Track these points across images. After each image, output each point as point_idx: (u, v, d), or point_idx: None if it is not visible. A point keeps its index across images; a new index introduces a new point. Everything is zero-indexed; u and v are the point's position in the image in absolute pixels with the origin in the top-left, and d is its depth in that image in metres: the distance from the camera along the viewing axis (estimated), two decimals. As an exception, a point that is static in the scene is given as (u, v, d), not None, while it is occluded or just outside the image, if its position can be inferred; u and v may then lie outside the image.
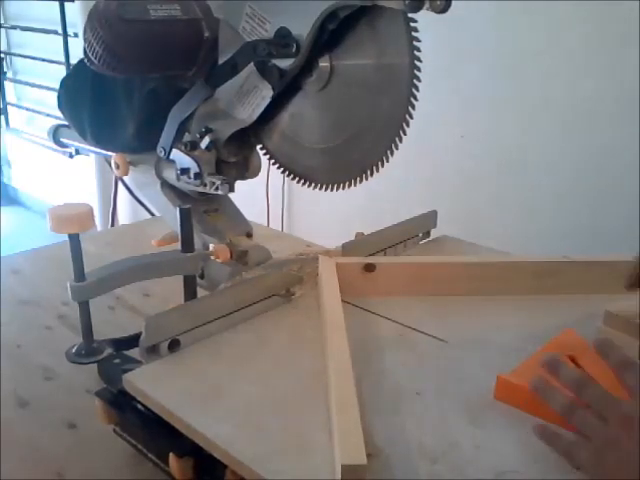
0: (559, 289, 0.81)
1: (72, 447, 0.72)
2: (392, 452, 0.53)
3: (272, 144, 0.88)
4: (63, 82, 1.04)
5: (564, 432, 0.52)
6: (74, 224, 0.71)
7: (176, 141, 0.87)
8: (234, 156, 0.89)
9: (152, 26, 0.76)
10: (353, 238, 0.92)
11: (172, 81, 0.86)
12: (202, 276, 0.89)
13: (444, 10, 0.65)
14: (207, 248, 0.88)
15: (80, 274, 0.74)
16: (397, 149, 0.76)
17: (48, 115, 2.96)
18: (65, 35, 2.77)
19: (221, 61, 0.81)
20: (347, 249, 0.87)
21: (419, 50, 0.70)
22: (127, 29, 0.75)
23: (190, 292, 0.83)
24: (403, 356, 0.69)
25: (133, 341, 0.68)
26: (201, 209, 0.94)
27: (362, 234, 0.94)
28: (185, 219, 0.79)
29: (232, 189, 0.88)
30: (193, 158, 0.88)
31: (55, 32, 2.87)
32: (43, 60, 3.11)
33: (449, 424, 0.57)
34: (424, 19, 0.69)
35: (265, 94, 0.81)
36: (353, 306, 0.79)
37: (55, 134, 1.12)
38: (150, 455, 0.66)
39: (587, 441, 0.49)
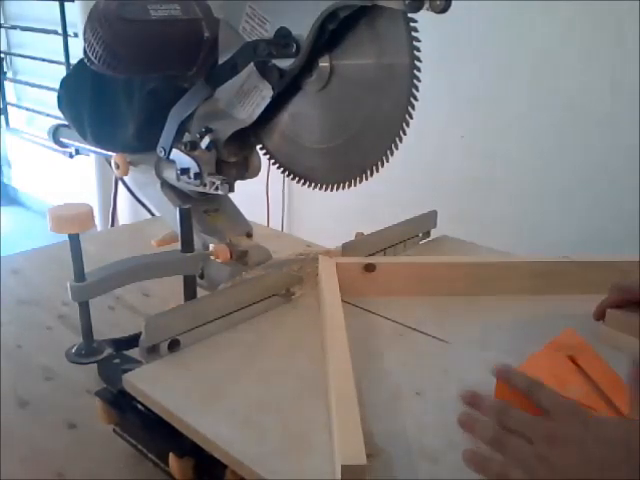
0: (559, 289, 0.81)
1: (72, 447, 0.72)
2: (392, 452, 0.53)
3: (272, 144, 0.88)
4: (63, 82, 1.04)
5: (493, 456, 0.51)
6: (74, 224, 0.71)
7: (176, 141, 0.87)
8: (234, 156, 0.89)
9: (152, 26, 0.76)
10: (353, 238, 0.92)
11: (172, 81, 0.86)
12: (202, 276, 0.89)
13: (444, 10, 0.65)
14: (207, 248, 0.88)
15: (80, 274, 0.74)
16: (397, 149, 0.76)
17: (48, 115, 2.96)
18: (65, 35, 2.76)
19: (221, 61, 0.81)
20: (347, 249, 0.87)
21: (419, 50, 0.70)
22: (127, 29, 0.75)
23: (190, 292, 0.83)
24: (403, 356, 0.69)
25: (133, 341, 0.68)
26: (201, 209, 0.94)
27: (362, 234, 0.94)
28: (185, 219, 0.79)
29: (232, 189, 0.88)
30: (193, 158, 0.88)
31: (55, 32, 2.87)
32: (43, 60, 3.10)
33: (449, 424, 0.57)
34: (424, 19, 0.69)
35: (265, 94, 0.81)
36: (353, 306, 0.79)
37: (55, 134, 1.12)
38: (150, 455, 0.66)
39: (518, 463, 0.49)
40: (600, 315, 0.71)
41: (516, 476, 0.49)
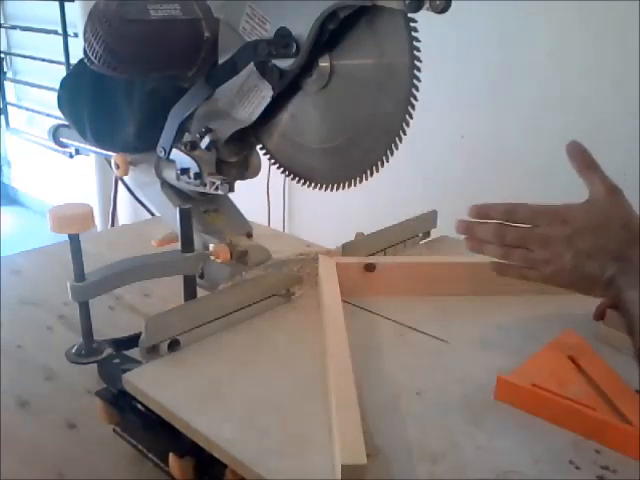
0: (559, 289, 0.81)
1: (72, 447, 0.72)
2: (392, 452, 0.53)
3: (272, 144, 0.88)
4: (63, 82, 1.04)
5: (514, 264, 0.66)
6: (74, 224, 0.71)
7: (176, 141, 0.87)
8: (234, 156, 0.89)
9: (152, 26, 0.76)
10: (353, 238, 0.92)
11: (172, 81, 0.86)
12: (202, 276, 0.89)
13: (444, 10, 0.65)
14: (207, 248, 0.88)
15: (80, 274, 0.74)
16: (397, 149, 0.76)
17: (48, 115, 2.96)
18: (65, 35, 2.76)
19: (221, 61, 0.81)
20: (347, 249, 0.87)
21: (419, 50, 0.70)
22: (127, 29, 0.75)
23: (190, 292, 0.83)
24: (403, 356, 0.69)
25: (133, 341, 0.68)
26: (201, 209, 0.95)
27: (362, 234, 0.94)
28: (185, 219, 0.79)
29: (232, 189, 0.88)
30: (193, 158, 0.88)
31: (55, 32, 2.87)
32: (43, 60, 3.10)
33: (449, 424, 0.57)
34: (424, 19, 0.69)
35: (265, 94, 0.81)
36: (353, 306, 0.79)
37: (55, 134, 1.12)
38: (150, 455, 0.66)
39: (529, 251, 0.63)
40: (600, 315, 0.72)
41: (534, 264, 0.63)
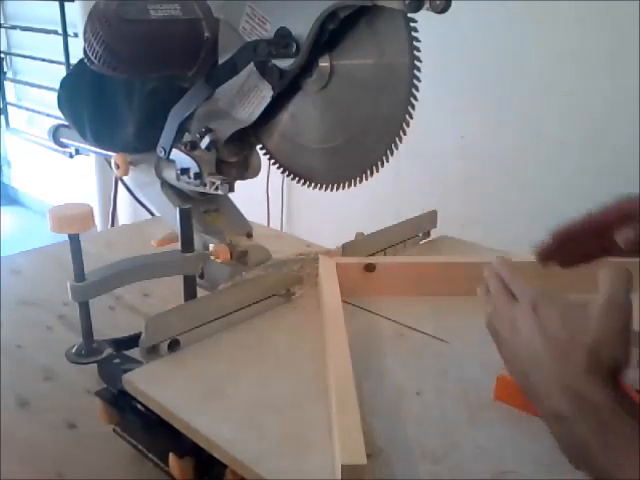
0: (559, 289, 0.81)
1: (72, 447, 0.72)
2: (392, 452, 0.53)
3: (272, 144, 0.88)
4: (63, 82, 1.04)
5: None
6: (74, 224, 0.71)
7: (176, 141, 0.87)
8: (234, 156, 0.89)
9: (152, 26, 0.76)
10: (353, 238, 0.92)
11: (172, 81, 0.86)
12: (202, 276, 0.89)
13: (444, 10, 0.65)
14: (207, 248, 0.88)
15: (80, 274, 0.74)
16: (397, 149, 0.76)
17: (48, 115, 2.96)
18: (65, 35, 2.76)
19: (221, 61, 0.81)
20: (347, 249, 0.87)
21: (419, 50, 0.70)
22: (127, 29, 0.75)
23: (190, 292, 0.83)
24: (403, 356, 0.69)
25: (133, 341, 0.68)
26: (201, 209, 0.94)
27: (362, 234, 0.94)
28: (185, 219, 0.79)
29: (232, 189, 0.88)
30: (193, 158, 0.88)
31: (55, 32, 2.87)
32: (43, 60, 3.10)
33: (449, 424, 0.57)
34: (424, 19, 0.69)
35: (265, 94, 0.81)
36: (353, 306, 0.79)
37: (55, 134, 1.12)
38: (150, 455, 0.66)
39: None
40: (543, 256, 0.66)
41: (496, 328, 0.56)
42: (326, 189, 0.85)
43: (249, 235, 0.95)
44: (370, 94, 0.76)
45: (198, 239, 0.89)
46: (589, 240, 0.64)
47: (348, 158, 0.81)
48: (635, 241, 0.59)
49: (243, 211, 0.99)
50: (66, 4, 2.72)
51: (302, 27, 0.75)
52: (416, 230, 1.01)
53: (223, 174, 0.89)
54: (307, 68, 0.78)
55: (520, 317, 0.53)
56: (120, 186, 2.12)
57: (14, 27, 3.49)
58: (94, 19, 0.75)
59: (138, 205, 1.59)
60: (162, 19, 0.77)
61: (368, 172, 0.79)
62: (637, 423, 0.44)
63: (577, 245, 0.63)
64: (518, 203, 1.73)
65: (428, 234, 1.03)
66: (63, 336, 0.93)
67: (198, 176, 0.88)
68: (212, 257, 0.86)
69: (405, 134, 0.74)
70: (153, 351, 0.66)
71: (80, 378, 0.81)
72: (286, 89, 0.80)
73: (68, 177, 3.35)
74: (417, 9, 0.66)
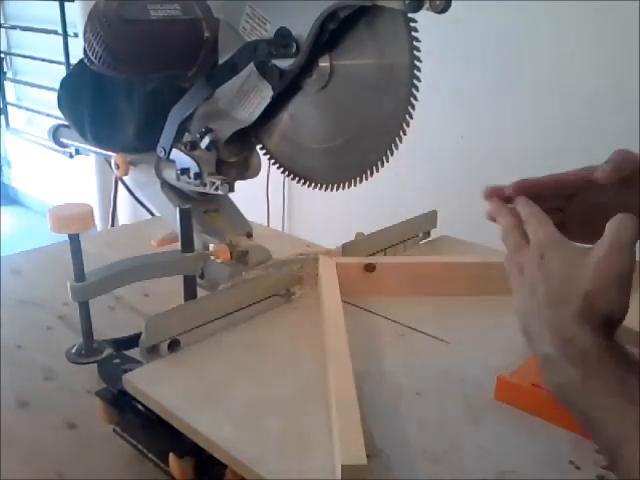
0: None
1: (72, 447, 0.72)
2: (392, 452, 0.53)
3: (272, 144, 0.88)
4: (63, 82, 1.04)
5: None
6: (74, 224, 0.71)
7: (176, 141, 0.87)
8: (234, 156, 0.89)
9: (152, 26, 0.76)
10: (353, 238, 0.92)
11: (172, 81, 0.86)
12: (202, 276, 0.89)
13: (444, 10, 0.65)
14: (207, 248, 0.88)
15: (80, 274, 0.74)
16: (397, 149, 0.76)
17: (48, 115, 2.96)
18: (65, 35, 2.76)
19: (221, 61, 0.81)
20: (347, 249, 0.87)
21: (419, 50, 0.70)
22: (127, 29, 0.75)
23: (190, 292, 0.83)
24: (403, 356, 0.69)
25: (133, 341, 0.68)
26: (201, 209, 0.94)
27: (362, 234, 0.94)
28: (185, 219, 0.79)
29: (232, 189, 0.88)
30: (193, 158, 0.88)
31: (55, 32, 2.87)
32: (43, 60, 3.11)
33: (449, 424, 0.57)
34: (424, 19, 0.69)
35: (265, 94, 0.81)
36: (353, 306, 0.79)
37: (55, 134, 1.12)
38: (150, 455, 0.66)
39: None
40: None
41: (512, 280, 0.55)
42: (326, 189, 0.85)
43: (249, 235, 0.95)
44: (370, 94, 0.76)
45: (198, 239, 0.89)
46: (547, 196, 0.63)
47: (348, 158, 0.81)
48: (612, 171, 0.59)
49: (243, 211, 0.99)
50: (66, 4, 2.72)
51: (302, 27, 0.75)
52: (416, 230, 1.01)
53: (223, 174, 0.89)
54: (307, 68, 0.78)
55: (527, 262, 0.53)
56: (120, 186, 2.12)
57: (14, 27, 3.49)
58: (94, 19, 0.74)
59: (138, 205, 1.59)
60: (162, 19, 0.76)
61: (368, 172, 0.79)
62: (621, 369, 0.45)
63: (535, 198, 0.62)
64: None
65: (428, 234, 1.03)
66: (63, 336, 0.93)
67: (198, 176, 0.88)
68: (212, 257, 0.86)
69: (405, 134, 0.74)
70: (153, 351, 0.66)
71: (80, 378, 0.81)
72: (286, 89, 0.80)
73: (68, 177, 3.35)
74: (417, 9, 0.66)
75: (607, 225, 0.49)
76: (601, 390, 0.45)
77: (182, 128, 0.86)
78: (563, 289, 0.49)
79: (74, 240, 0.72)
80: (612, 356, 0.46)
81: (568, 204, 0.65)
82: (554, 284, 0.50)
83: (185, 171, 0.89)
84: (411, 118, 0.73)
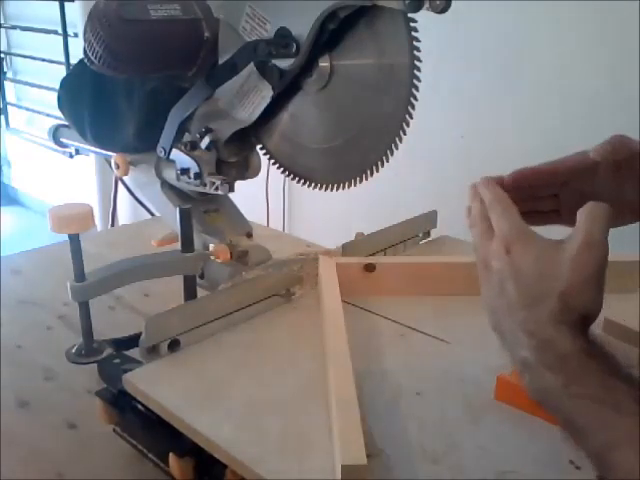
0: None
1: (72, 447, 0.72)
2: (392, 452, 0.53)
3: (272, 144, 0.88)
4: (63, 82, 1.04)
5: None
6: (74, 224, 0.71)
7: (176, 141, 0.87)
8: (234, 156, 0.89)
9: (152, 26, 0.76)
10: (353, 238, 0.92)
11: (172, 81, 0.86)
12: (202, 276, 0.89)
13: (444, 10, 0.65)
14: (207, 248, 0.88)
15: (80, 274, 0.74)
16: (397, 149, 0.76)
17: (48, 115, 2.96)
18: (65, 35, 2.77)
19: (221, 61, 0.81)
20: (347, 249, 0.87)
21: (419, 50, 0.70)
22: (127, 29, 0.75)
23: (190, 292, 0.83)
24: (403, 356, 0.69)
25: (133, 341, 0.68)
26: (201, 209, 0.94)
27: (362, 234, 0.94)
28: (185, 219, 0.79)
29: (232, 189, 0.88)
30: (193, 158, 0.88)
31: (55, 32, 2.87)
32: (43, 60, 3.11)
33: (449, 424, 0.57)
34: (424, 19, 0.69)
35: (265, 94, 0.81)
36: (353, 306, 0.79)
37: (55, 134, 1.12)
38: (150, 455, 0.66)
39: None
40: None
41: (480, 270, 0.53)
42: (326, 189, 0.85)
43: (249, 235, 0.95)
44: (370, 94, 0.76)
45: (198, 239, 0.89)
46: (543, 184, 0.62)
47: (348, 158, 0.81)
48: (609, 150, 0.59)
49: (243, 211, 0.99)
50: (66, 4, 2.73)
51: (302, 27, 0.75)
52: (416, 230, 1.01)
53: (223, 174, 0.89)
54: (307, 68, 0.78)
55: (492, 256, 0.51)
56: (120, 186, 2.12)
57: (14, 27, 3.49)
58: (94, 19, 0.75)
59: (138, 205, 1.59)
60: (162, 19, 0.76)
61: (368, 172, 0.79)
62: (603, 373, 0.43)
63: (532, 186, 0.61)
64: (518, 203, 1.73)
65: (428, 234, 1.03)
66: (63, 336, 0.93)
67: (198, 176, 0.88)
68: (212, 257, 0.86)
69: (405, 134, 0.74)
70: (153, 351, 0.66)
71: (80, 378, 0.81)
72: (286, 89, 0.80)
73: (68, 177, 3.35)
74: (417, 9, 0.66)
75: (578, 215, 0.47)
76: (584, 397, 0.43)
77: (182, 128, 0.86)
78: (535, 288, 0.47)
79: (74, 240, 0.72)
80: (593, 359, 0.44)
81: (562, 191, 0.64)
82: (525, 283, 0.48)
83: (185, 171, 0.89)
84: (411, 118, 0.73)
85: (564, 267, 0.46)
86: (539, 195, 0.64)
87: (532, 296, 0.47)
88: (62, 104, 1.03)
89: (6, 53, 3.58)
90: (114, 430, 0.70)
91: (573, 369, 0.44)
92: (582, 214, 0.47)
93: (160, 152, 0.89)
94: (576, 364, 0.44)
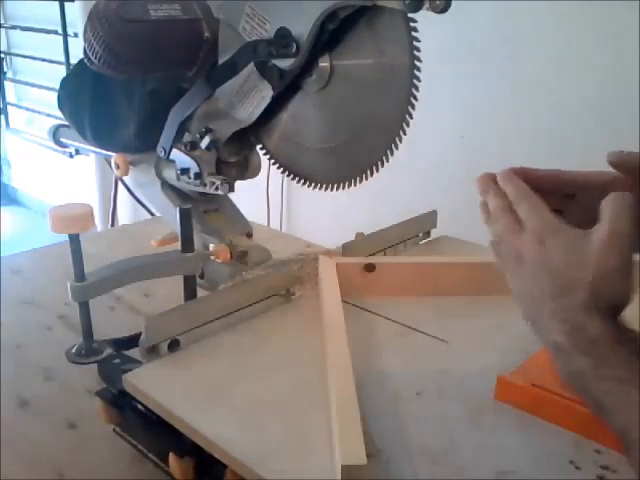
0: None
1: (72, 447, 0.72)
2: (392, 452, 0.53)
3: (272, 144, 0.88)
4: (63, 82, 1.04)
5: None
6: (74, 224, 0.71)
7: (176, 141, 0.87)
8: (234, 156, 0.89)
9: (152, 26, 0.76)
10: (353, 238, 0.92)
11: (172, 81, 0.86)
12: (202, 276, 0.89)
13: (444, 10, 0.65)
14: (207, 248, 0.88)
15: (80, 274, 0.74)
16: (397, 149, 0.76)
17: (48, 115, 2.96)
18: (65, 35, 2.76)
19: (221, 61, 0.81)
20: (347, 249, 0.87)
21: (419, 50, 0.70)
22: (127, 29, 0.75)
23: (190, 292, 0.83)
24: (403, 356, 0.69)
25: (133, 341, 0.68)
26: (201, 209, 0.94)
27: (362, 234, 0.94)
28: (185, 219, 0.79)
29: (232, 189, 0.88)
30: (193, 158, 0.88)
31: (55, 32, 2.87)
32: (43, 60, 3.10)
33: (449, 424, 0.57)
34: (424, 19, 0.69)
35: (265, 94, 0.81)
36: (353, 306, 0.79)
37: (55, 134, 1.12)
38: (150, 455, 0.66)
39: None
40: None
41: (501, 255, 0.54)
42: (326, 189, 0.85)
43: (249, 235, 0.95)
44: (370, 94, 0.76)
45: (198, 239, 0.89)
46: (545, 193, 0.62)
47: (348, 158, 0.81)
48: (625, 156, 0.58)
49: (243, 211, 0.99)
50: (66, 4, 2.73)
51: (302, 27, 0.75)
52: (416, 230, 1.01)
53: (223, 174, 0.89)
54: (307, 68, 0.78)
55: (525, 249, 0.52)
56: (120, 186, 2.12)
57: (14, 27, 3.49)
58: (94, 19, 0.75)
59: (138, 205, 1.59)
60: (162, 19, 0.77)
61: (368, 172, 0.79)
62: (630, 356, 0.45)
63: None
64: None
65: (428, 234, 1.03)
66: (63, 336, 0.93)
67: (198, 176, 0.88)
68: (212, 257, 0.86)
69: (405, 134, 0.74)
70: (153, 351, 0.66)
71: (80, 378, 0.81)
72: (286, 89, 0.80)
73: (68, 177, 3.35)
74: (417, 9, 0.66)
75: (602, 206, 0.49)
76: (612, 379, 0.45)
77: (182, 128, 0.86)
78: (566, 278, 0.48)
79: (74, 240, 0.72)
80: (622, 344, 0.46)
81: (567, 206, 0.64)
82: (557, 273, 0.49)
83: (185, 171, 0.89)
84: (411, 118, 0.73)
85: (591, 257, 0.47)
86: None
87: (564, 285, 0.49)
88: (62, 104, 1.03)
89: (6, 53, 3.57)
90: (114, 430, 0.70)
91: (603, 352, 0.46)
92: (606, 204, 0.49)
93: (160, 152, 0.89)
94: (606, 348, 0.46)
